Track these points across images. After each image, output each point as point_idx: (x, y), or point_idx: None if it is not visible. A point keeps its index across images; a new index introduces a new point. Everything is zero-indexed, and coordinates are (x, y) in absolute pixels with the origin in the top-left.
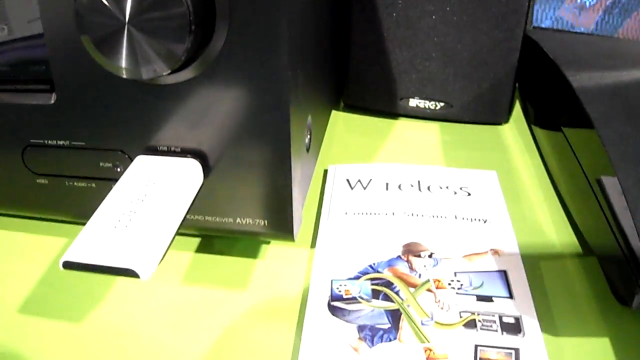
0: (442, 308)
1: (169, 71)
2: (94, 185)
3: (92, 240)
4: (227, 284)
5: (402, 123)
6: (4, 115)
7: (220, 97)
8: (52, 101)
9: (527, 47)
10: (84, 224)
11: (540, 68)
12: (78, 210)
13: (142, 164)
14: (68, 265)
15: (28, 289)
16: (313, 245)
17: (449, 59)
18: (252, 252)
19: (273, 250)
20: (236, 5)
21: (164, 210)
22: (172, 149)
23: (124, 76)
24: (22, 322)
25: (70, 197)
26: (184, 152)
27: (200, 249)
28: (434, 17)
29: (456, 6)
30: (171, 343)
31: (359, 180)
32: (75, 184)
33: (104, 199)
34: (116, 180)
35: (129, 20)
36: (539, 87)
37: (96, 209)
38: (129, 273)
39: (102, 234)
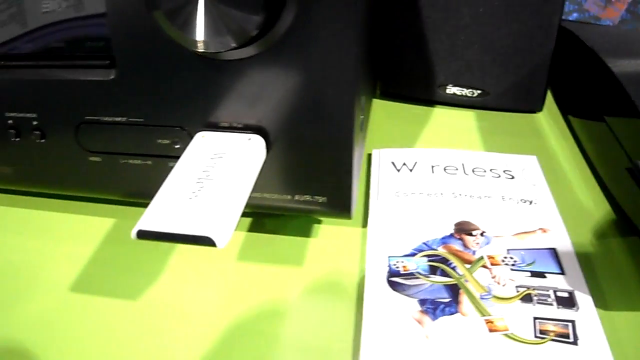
0: (498, 283)
1: (238, 45)
2: (149, 162)
3: (165, 210)
4: (283, 261)
5: (439, 110)
6: (59, 91)
7: (285, 74)
8: (112, 77)
9: (560, 37)
10: (133, 202)
11: (576, 57)
12: (131, 189)
13: (205, 139)
14: (142, 234)
15: (79, 268)
16: (364, 224)
17: (487, 47)
18: (304, 231)
19: (325, 229)
20: None
21: (233, 183)
22: (234, 125)
23: (195, 49)
24: (75, 300)
25: (123, 175)
26: (246, 129)
27: (253, 229)
28: (474, 6)
29: None
30: (227, 320)
31: (404, 164)
32: (130, 161)
33: (158, 176)
34: (173, 157)
35: None
36: (573, 76)
37: (150, 186)
38: (205, 241)
39: (174, 204)
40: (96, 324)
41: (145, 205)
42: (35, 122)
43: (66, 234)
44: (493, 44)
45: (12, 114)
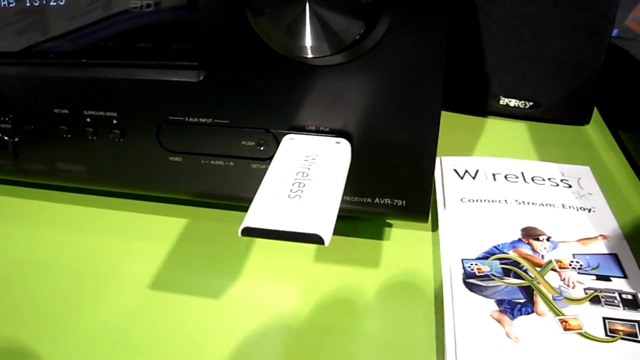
0: (568, 285)
1: (333, 52)
2: (232, 163)
3: (268, 208)
4: (359, 262)
5: (492, 121)
6: (143, 91)
7: (373, 81)
8: (200, 78)
9: (609, 52)
10: (204, 203)
11: (625, 72)
12: (209, 189)
13: (294, 142)
14: (247, 231)
15: (158, 267)
16: (434, 228)
17: (540, 60)
18: (376, 234)
19: (395, 232)
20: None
21: (330, 184)
22: (321, 128)
23: (296, 55)
24: (155, 298)
25: (203, 176)
26: (331, 132)
27: None
28: (529, 20)
29: (551, 11)
30: (310, 319)
31: (467, 171)
32: (211, 162)
33: (239, 177)
34: (257, 159)
35: None
36: (622, 90)
37: (230, 187)
38: (312, 238)
39: (277, 203)
40: (177, 321)
41: (223, 207)
42: (115, 121)
43: (142, 233)
44: (546, 57)
45: (90, 112)
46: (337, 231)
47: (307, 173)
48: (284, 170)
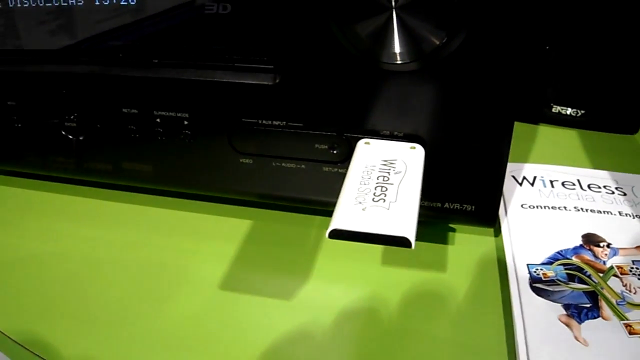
0: (630, 291)
1: (414, 59)
2: (303, 166)
3: (356, 212)
4: (426, 266)
5: (544, 128)
6: (216, 93)
7: (448, 88)
8: (275, 81)
9: None
10: (267, 205)
11: None
12: (280, 192)
13: (369, 147)
14: (335, 233)
15: (226, 267)
16: (496, 234)
17: (592, 69)
18: (441, 238)
19: (459, 237)
20: (481, 9)
21: (410, 189)
22: (395, 133)
23: (380, 60)
24: (224, 298)
25: (274, 178)
26: (406, 138)
27: None
28: (581, 28)
29: (602, 18)
30: (381, 320)
31: (525, 178)
32: (283, 164)
33: (310, 180)
34: (329, 162)
35: (396, 5)
36: None
37: (301, 190)
38: (399, 242)
39: (363, 207)
40: (247, 321)
41: (287, 209)
42: (186, 122)
43: (210, 233)
44: (597, 65)
45: (161, 113)
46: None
47: (388, 177)
48: (365, 174)
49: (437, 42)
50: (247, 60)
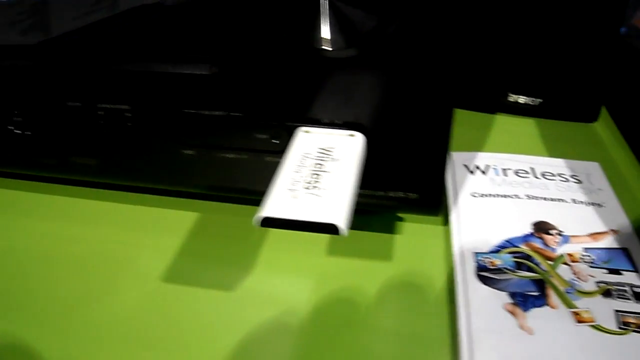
0: (580, 279)
1: (347, 45)
2: (245, 156)
3: (287, 200)
4: (371, 256)
5: (501, 117)
6: (156, 84)
7: (386, 75)
8: (212, 71)
9: (618, 49)
10: (215, 197)
11: (634, 70)
12: (223, 182)
13: (309, 135)
14: (264, 221)
15: (169, 260)
16: (445, 222)
17: (549, 57)
18: (388, 228)
19: (408, 226)
20: None
21: (346, 176)
22: (335, 121)
23: (316, 47)
24: (167, 290)
25: (216, 169)
26: (345, 125)
27: None
28: (537, 16)
29: (559, 7)
30: (323, 311)
31: (477, 166)
32: (225, 155)
33: (252, 170)
34: (270, 151)
35: None
36: (631, 87)
37: (243, 180)
38: (329, 229)
39: (295, 194)
40: (189, 314)
41: (235, 200)
42: (128, 114)
43: (154, 226)
44: (554, 54)
45: (104, 105)
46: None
47: (323, 165)
48: (299, 162)
49: (370, 29)
50: (185, 51)
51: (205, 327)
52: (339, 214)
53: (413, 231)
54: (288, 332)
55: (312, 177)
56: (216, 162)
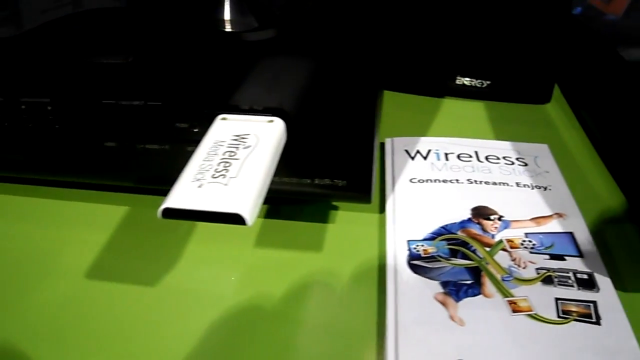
0: (519, 265)
1: (260, 25)
2: (167, 147)
3: (191, 189)
4: (301, 246)
5: (449, 101)
6: (74, 75)
7: (306, 57)
8: (130, 59)
9: (570, 28)
10: (147, 190)
11: (586, 48)
12: (147, 174)
13: (226, 122)
14: (168, 213)
15: (95, 256)
16: (381, 210)
17: (497, 38)
18: (321, 217)
19: (342, 215)
20: None
21: (258, 163)
22: (255, 107)
23: (220, 29)
24: (91, 287)
25: (139, 161)
26: (266, 111)
27: (269, 215)
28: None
29: None
30: (250, 305)
31: (418, 151)
32: (147, 146)
33: (176, 161)
34: (192, 141)
35: None
36: (583, 67)
37: (167, 172)
38: (234, 219)
39: (200, 183)
40: (114, 310)
41: (162, 193)
42: (49, 107)
43: (80, 222)
44: (503, 34)
45: (25, 99)
46: (281, 215)
47: (235, 153)
48: (211, 151)
49: (280, 7)
50: (102, 40)
51: (130, 323)
52: (243, 203)
53: (347, 220)
54: (212, 326)
55: (222, 166)
56: (139, 154)
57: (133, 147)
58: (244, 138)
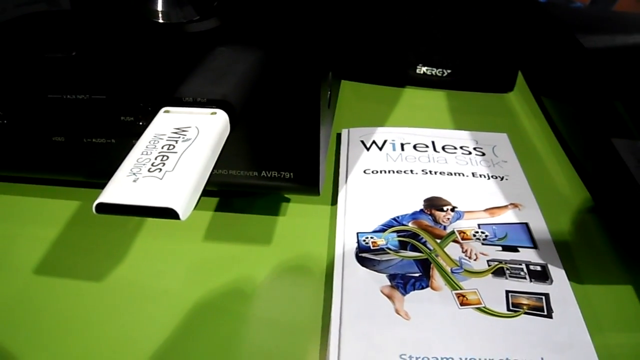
0: (470, 257)
1: (200, 16)
2: (113, 141)
3: (126, 183)
4: (250, 239)
5: (410, 91)
6: (18, 69)
7: (248, 48)
8: (73, 53)
9: (533, 16)
10: (99, 184)
11: (548, 36)
12: (95, 168)
13: (168, 114)
14: (101, 208)
15: (44, 251)
16: (333, 202)
17: (458, 26)
18: (272, 209)
19: (293, 207)
20: None
21: (196, 156)
22: (198, 100)
23: (157, 19)
24: (40, 283)
25: (87, 155)
26: (210, 104)
27: (220, 209)
28: None
29: None
30: (197, 299)
31: (374, 142)
32: (94, 140)
33: (123, 155)
34: (137, 135)
35: None
36: (545, 55)
37: (115, 166)
38: (167, 213)
39: (136, 178)
40: (62, 306)
41: None
42: None
43: (30, 217)
44: (464, 22)
45: None
46: (232, 208)
47: (174, 146)
48: (150, 144)
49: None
50: (45, 33)
51: (78, 319)
52: (176, 197)
53: (299, 212)
54: (156, 320)
55: (159, 159)
56: (87, 148)
57: (80, 141)
58: (184, 131)
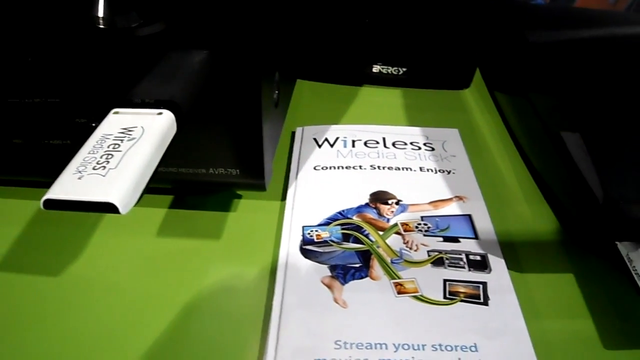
0: (410, 248)
1: (144, 20)
2: (69, 142)
3: (71, 181)
4: (201, 235)
5: (366, 89)
6: None
7: (192, 48)
8: (28, 59)
9: (489, 13)
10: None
11: (501, 32)
12: (53, 169)
13: (117, 115)
14: (49, 204)
15: (4, 249)
16: (283, 198)
17: (413, 23)
18: (224, 206)
19: (245, 203)
20: None
21: (139, 154)
22: (147, 101)
23: (100, 26)
24: None
25: (46, 157)
26: (157, 104)
27: (174, 206)
28: None
29: None
30: (148, 292)
31: (326, 139)
32: (51, 142)
33: None
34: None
35: None
36: (499, 52)
37: None
38: (109, 207)
39: (81, 175)
40: (18, 302)
41: None
42: None
43: None
44: (418, 20)
45: None
46: (186, 205)
47: (119, 145)
48: (97, 144)
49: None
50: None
51: (33, 316)
52: (116, 192)
53: (249, 208)
54: (110, 314)
55: (104, 158)
56: (45, 150)
57: (38, 143)
58: (130, 131)
